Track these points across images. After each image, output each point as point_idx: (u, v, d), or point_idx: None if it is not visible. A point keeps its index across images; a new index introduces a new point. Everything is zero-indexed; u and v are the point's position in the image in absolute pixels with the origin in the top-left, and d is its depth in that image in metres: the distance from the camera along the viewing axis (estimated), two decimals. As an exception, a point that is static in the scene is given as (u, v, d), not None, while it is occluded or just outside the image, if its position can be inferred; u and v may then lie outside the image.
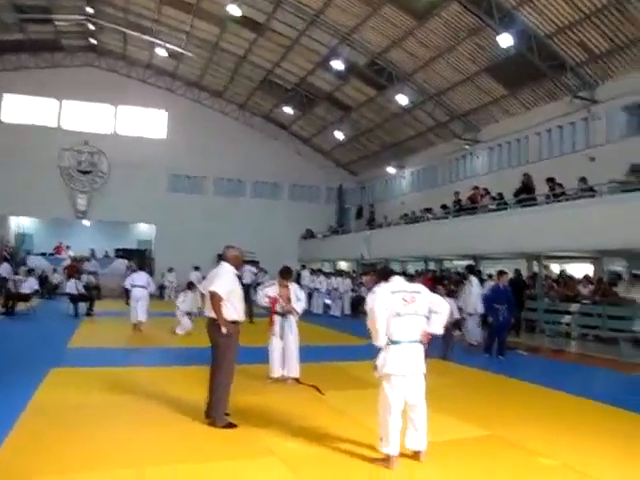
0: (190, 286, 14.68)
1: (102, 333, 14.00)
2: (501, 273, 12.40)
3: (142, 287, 14.63)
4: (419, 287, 5.35)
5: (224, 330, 5.95)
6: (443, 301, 5.38)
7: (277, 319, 8.39)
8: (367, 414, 5.57)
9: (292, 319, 8.46)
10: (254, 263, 19.11)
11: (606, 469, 4.98)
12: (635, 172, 14.67)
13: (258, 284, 17.90)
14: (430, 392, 5.26)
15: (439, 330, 5.30)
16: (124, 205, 28.77)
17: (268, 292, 8.49)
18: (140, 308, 14.32)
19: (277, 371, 8.30)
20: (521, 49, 17.25)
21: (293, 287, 8.57)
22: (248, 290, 17.66)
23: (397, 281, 5.29)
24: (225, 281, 6.08)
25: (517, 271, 16.78)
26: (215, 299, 5.94)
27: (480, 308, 12.95)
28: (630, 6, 14.55)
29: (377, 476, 4.73)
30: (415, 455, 5.07)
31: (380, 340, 5.04)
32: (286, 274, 8.58)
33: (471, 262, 18.41)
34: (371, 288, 5.40)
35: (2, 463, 4.64)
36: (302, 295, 8.74)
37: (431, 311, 5.22)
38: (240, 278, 16.48)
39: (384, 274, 5.49)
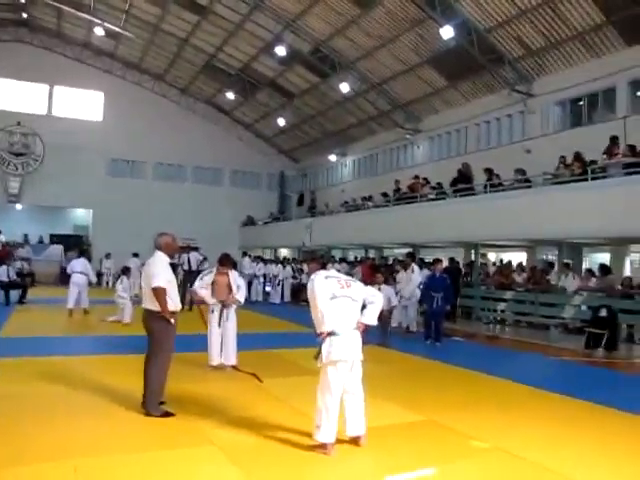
0: (125, 271, 14.29)
1: (36, 321, 13.54)
2: (436, 261, 12.69)
3: (81, 273, 14.70)
4: (351, 278, 5.52)
5: (172, 321, 5.93)
6: (377, 292, 5.48)
7: (215, 307, 8.33)
8: (306, 402, 5.61)
9: (231, 308, 8.42)
10: (194, 249, 18.82)
11: (535, 450, 5.18)
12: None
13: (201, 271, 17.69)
14: (367, 378, 5.34)
15: (373, 321, 5.36)
16: (60, 189, 27.81)
17: (205, 285, 8.37)
18: (81, 294, 14.69)
19: (216, 359, 8.26)
20: (462, 42, 17.60)
21: (233, 275, 8.51)
22: (194, 276, 17.41)
23: (332, 269, 5.41)
24: (164, 273, 6.00)
25: (452, 259, 17.23)
26: (161, 294, 5.85)
27: (418, 295, 13.28)
28: (562, 6, 15.14)
29: (317, 463, 4.78)
30: (354, 440, 5.14)
31: (325, 324, 5.04)
32: (225, 261, 8.49)
33: (410, 250, 18.77)
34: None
35: None
36: (242, 282, 8.70)
37: (366, 301, 5.30)
38: (184, 264, 16.45)
39: (324, 263, 5.59)
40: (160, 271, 5.95)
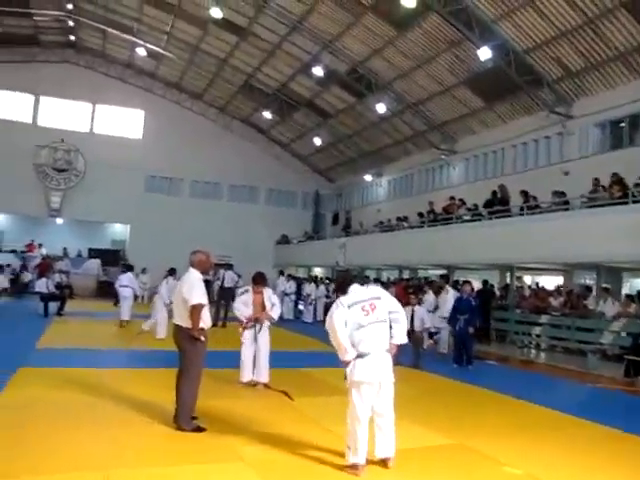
0: (171, 272, 14.55)
1: (72, 334, 13.76)
2: (465, 283, 12.54)
3: (127, 287, 15.86)
4: (378, 292, 5.36)
5: (202, 338, 6.00)
6: (400, 307, 5.36)
7: (249, 325, 8.37)
8: (336, 421, 5.59)
9: (265, 324, 8.45)
10: (229, 266, 19.05)
11: (568, 478, 5.06)
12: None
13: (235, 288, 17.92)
14: (399, 400, 5.30)
15: (403, 340, 5.31)
16: (99, 204, 28.45)
17: (244, 303, 8.42)
18: (123, 307, 15.71)
19: (247, 376, 8.28)
20: (499, 63, 17.52)
21: (267, 292, 8.56)
22: (230, 294, 17.61)
23: (355, 291, 5.27)
24: (202, 290, 6.09)
25: (485, 282, 17.03)
26: (198, 311, 5.93)
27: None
28: (603, 27, 14.94)
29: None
30: (383, 462, 5.10)
31: (347, 355, 5.05)
32: (260, 280, 8.53)
33: (445, 271, 18.60)
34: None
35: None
36: (276, 300, 8.72)
37: (391, 321, 5.23)
38: (220, 282, 16.72)
39: (341, 286, 5.46)
40: (197, 288, 6.04)
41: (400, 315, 5.30)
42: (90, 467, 4.67)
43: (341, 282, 5.60)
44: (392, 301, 5.34)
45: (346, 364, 5.07)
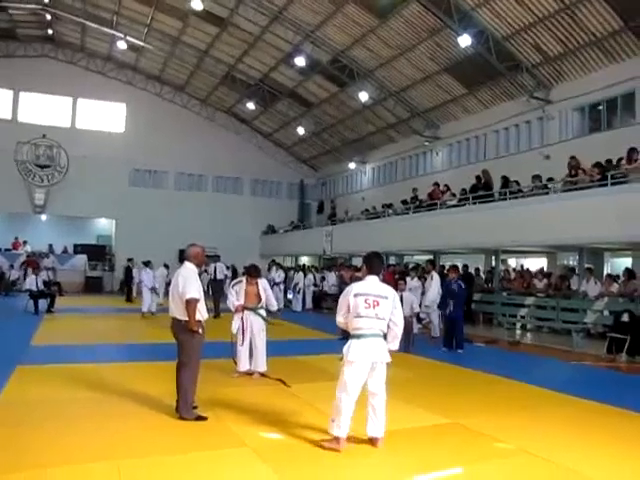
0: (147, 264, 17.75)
1: (65, 330, 13.82)
2: (451, 268, 12.78)
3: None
4: (388, 292, 5.50)
5: (200, 331, 6.15)
6: (401, 317, 5.56)
7: (245, 314, 8.52)
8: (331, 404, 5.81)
9: (260, 313, 8.62)
10: (216, 258, 19.21)
11: (559, 452, 5.31)
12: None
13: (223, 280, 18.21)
14: (392, 383, 5.55)
15: (396, 346, 5.55)
16: (83, 200, 28.35)
17: (236, 293, 8.58)
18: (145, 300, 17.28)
19: (244, 365, 8.45)
20: (479, 49, 17.75)
21: (262, 283, 8.73)
22: (221, 286, 17.82)
23: (369, 282, 5.50)
24: (197, 284, 6.23)
25: (465, 266, 17.35)
26: (193, 305, 6.06)
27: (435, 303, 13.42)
28: (579, 13, 15.21)
29: (346, 462, 4.97)
30: (372, 442, 5.35)
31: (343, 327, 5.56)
32: (254, 272, 8.70)
33: (431, 257, 18.88)
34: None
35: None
36: (270, 291, 8.91)
37: (389, 328, 5.46)
38: (211, 274, 17.16)
39: (369, 266, 5.66)
40: (193, 282, 6.17)
41: (399, 329, 5.51)
42: (99, 458, 4.83)
43: (370, 264, 5.67)
44: (398, 311, 5.51)
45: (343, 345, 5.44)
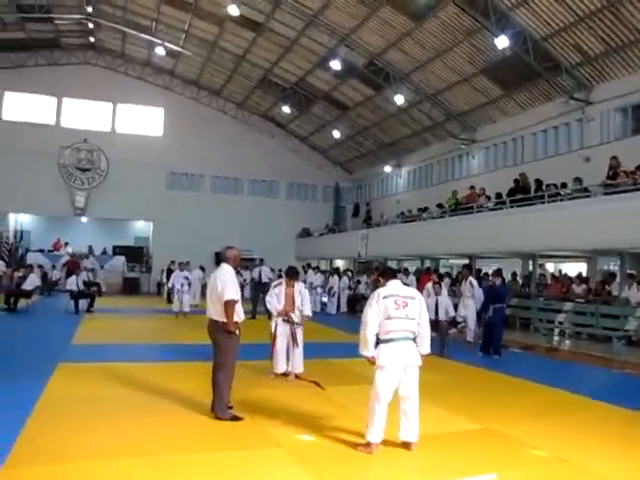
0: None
1: (104, 329, 14.14)
2: (496, 272, 12.62)
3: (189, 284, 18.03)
4: (414, 293, 5.60)
5: (237, 332, 6.24)
6: (427, 318, 5.60)
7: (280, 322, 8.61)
8: (366, 407, 5.79)
9: (297, 317, 8.68)
10: (260, 261, 19.53)
11: (595, 461, 5.21)
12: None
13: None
14: (425, 387, 5.53)
15: (427, 349, 5.55)
16: (122, 202, 28.94)
17: (276, 295, 8.66)
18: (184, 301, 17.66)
19: (281, 367, 8.53)
20: (517, 50, 17.49)
21: (298, 286, 8.83)
22: (262, 288, 17.96)
23: (393, 285, 5.56)
24: (235, 286, 6.31)
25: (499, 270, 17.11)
26: (231, 307, 6.15)
27: (474, 307, 13.26)
28: (624, 9, 14.78)
29: (380, 464, 4.99)
30: (406, 446, 5.34)
31: (364, 351, 5.39)
32: (292, 275, 8.83)
33: (466, 261, 18.69)
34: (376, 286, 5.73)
35: (20, 452, 4.86)
36: (306, 294, 8.98)
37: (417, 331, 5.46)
38: (255, 277, 17.51)
39: (384, 275, 5.76)
40: (231, 284, 6.25)
41: (426, 330, 5.53)
42: (137, 454, 4.95)
43: (383, 274, 5.82)
44: (424, 312, 5.56)
45: (367, 358, 5.41)
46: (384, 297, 5.38)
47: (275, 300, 8.65)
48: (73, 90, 29.10)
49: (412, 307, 5.41)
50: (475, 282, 13.84)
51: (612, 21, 15.37)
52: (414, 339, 5.41)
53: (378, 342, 5.43)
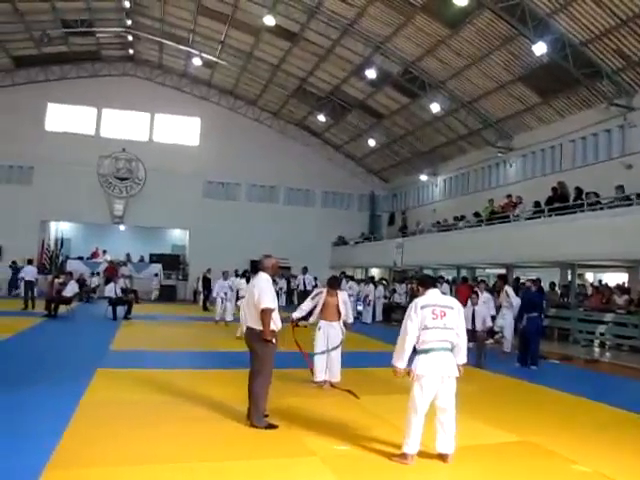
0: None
1: (141, 336, 14.35)
2: (533, 281, 12.40)
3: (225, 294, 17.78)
4: (452, 302, 5.53)
5: (274, 340, 6.25)
6: (464, 329, 5.53)
7: (323, 324, 8.67)
8: (401, 417, 5.74)
9: (337, 326, 8.71)
10: (286, 269, 19.62)
11: (638, 478, 5.06)
12: None
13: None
14: (462, 398, 5.45)
15: (464, 359, 5.49)
16: (159, 210, 29.41)
17: (312, 302, 8.79)
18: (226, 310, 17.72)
19: (320, 376, 8.54)
20: (555, 57, 17.22)
21: (342, 296, 8.89)
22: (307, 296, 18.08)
23: (431, 295, 5.51)
24: (272, 294, 6.34)
25: (536, 280, 16.80)
26: (268, 314, 6.17)
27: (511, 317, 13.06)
28: (668, 12, 14.45)
29: (415, 475, 4.95)
30: (442, 458, 5.27)
31: (399, 362, 5.36)
32: (334, 284, 8.93)
33: (503, 270, 18.43)
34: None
35: (61, 455, 4.95)
36: (349, 302, 9.11)
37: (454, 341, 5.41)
38: (300, 285, 17.68)
39: (423, 284, 5.71)
40: (268, 292, 6.28)
41: (462, 341, 5.47)
42: (173, 460, 5.01)
43: (423, 283, 5.77)
44: (461, 321, 5.49)
45: (397, 372, 5.40)
46: (422, 307, 5.33)
47: (306, 303, 8.83)
48: (112, 101, 29.75)
49: (450, 317, 5.35)
50: (511, 291, 13.62)
51: (656, 24, 15.02)
52: (451, 349, 5.36)
53: (415, 352, 5.38)
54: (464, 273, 22.34)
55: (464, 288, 17.37)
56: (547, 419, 7.20)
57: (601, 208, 15.58)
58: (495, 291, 14.88)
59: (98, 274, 27.00)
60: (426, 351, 5.26)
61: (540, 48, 16.58)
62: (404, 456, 5.16)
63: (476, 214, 21.65)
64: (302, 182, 32.79)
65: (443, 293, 5.93)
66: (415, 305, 5.37)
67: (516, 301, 13.03)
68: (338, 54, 23.27)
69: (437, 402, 5.26)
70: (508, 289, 13.68)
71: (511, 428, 6.52)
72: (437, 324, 5.27)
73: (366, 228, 33.59)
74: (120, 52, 29.08)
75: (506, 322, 13.37)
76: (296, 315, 8.83)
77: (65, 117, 29.87)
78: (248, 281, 15.36)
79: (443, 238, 22.50)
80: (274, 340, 6.27)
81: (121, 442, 5.43)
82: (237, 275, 21.84)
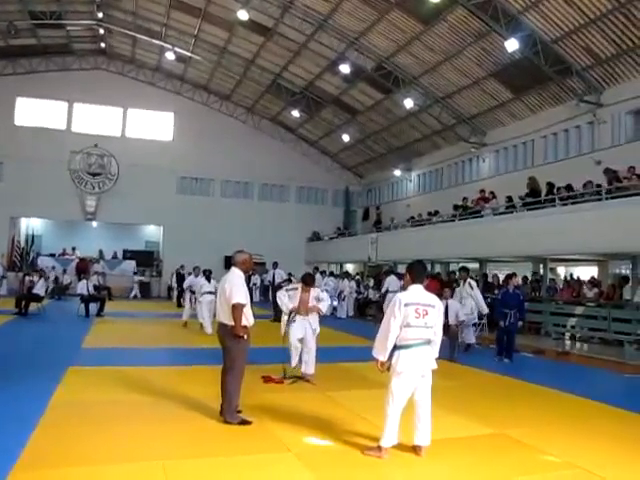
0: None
1: (114, 333, 14.18)
2: (509, 276, 12.49)
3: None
4: (434, 300, 5.50)
5: (245, 336, 6.21)
6: (441, 327, 5.56)
7: (298, 319, 8.69)
8: (375, 412, 5.77)
9: (313, 318, 8.75)
10: (261, 265, 19.57)
11: (606, 466, 5.16)
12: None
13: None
14: (437, 392, 5.48)
15: (436, 354, 5.51)
16: (132, 207, 29.02)
17: (290, 297, 8.77)
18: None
19: (295, 362, 8.71)
20: (527, 53, 17.43)
21: (314, 292, 8.90)
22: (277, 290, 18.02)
23: (415, 291, 5.48)
24: (244, 290, 6.30)
25: (485, 275, 17.08)
26: (239, 310, 6.14)
27: (475, 310, 13.18)
28: (635, 10, 14.67)
29: (390, 468, 4.99)
30: (416, 450, 5.31)
31: (380, 356, 5.34)
32: (309, 281, 8.93)
33: (477, 265, 18.60)
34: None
35: (30, 455, 4.86)
36: (324, 295, 9.13)
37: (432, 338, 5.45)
38: (270, 280, 17.33)
39: (412, 274, 5.63)
40: (239, 287, 6.25)
41: (439, 338, 5.51)
42: (145, 458, 4.96)
43: (411, 270, 5.65)
44: (440, 319, 5.52)
45: (378, 365, 5.38)
46: (405, 305, 5.29)
47: (287, 299, 8.77)
48: (84, 95, 29.22)
49: (431, 316, 5.35)
50: (474, 283, 13.79)
51: (623, 23, 15.26)
52: (429, 343, 5.40)
53: (394, 347, 5.40)
54: (438, 268, 22.51)
55: (433, 283, 17.48)
56: (520, 411, 7.30)
57: (572, 203, 15.80)
58: (457, 281, 14.80)
59: (65, 271, 26.52)
60: (406, 347, 5.28)
61: (512, 45, 16.78)
62: (378, 449, 5.19)
63: (456, 207, 21.64)
64: (277, 178, 32.70)
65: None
66: (399, 302, 5.31)
67: (477, 293, 13.20)
68: (312, 49, 23.22)
69: (415, 396, 5.30)
70: (471, 281, 13.81)
71: (485, 421, 6.58)
72: (419, 323, 5.28)
73: (341, 223, 33.64)
74: (92, 46, 28.55)
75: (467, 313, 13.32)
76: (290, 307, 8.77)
77: (35, 111, 29.23)
78: (208, 280, 15.12)
79: (417, 233, 22.63)
80: (246, 336, 6.24)
81: (92, 441, 5.35)
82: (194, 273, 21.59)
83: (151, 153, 29.80)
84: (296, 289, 8.90)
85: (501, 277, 16.53)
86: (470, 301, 13.36)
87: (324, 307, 8.94)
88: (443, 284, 14.32)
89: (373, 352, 5.41)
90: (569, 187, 16.37)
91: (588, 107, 17.98)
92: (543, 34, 16.86)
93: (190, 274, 18.31)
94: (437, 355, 5.52)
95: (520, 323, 11.96)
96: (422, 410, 5.31)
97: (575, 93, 18.20)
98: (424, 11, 18.07)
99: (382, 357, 5.33)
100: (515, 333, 11.87)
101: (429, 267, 22.62)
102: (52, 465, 4.71)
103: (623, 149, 16.91)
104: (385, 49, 21.15)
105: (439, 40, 19.29)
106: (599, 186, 15.40)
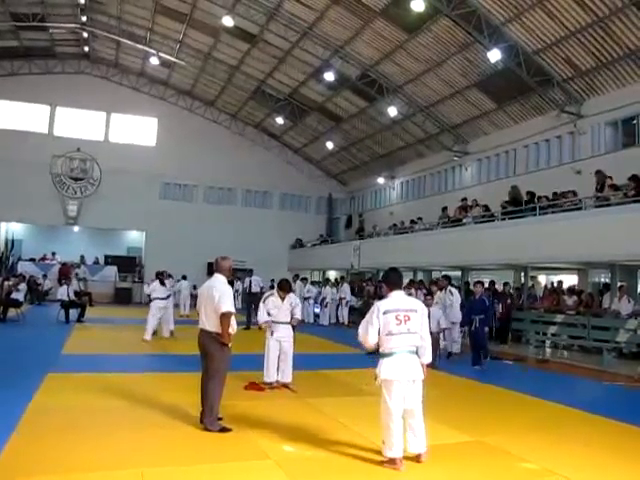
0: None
1: (95, 340, 14.05)
2: (476, 284, 12.63)
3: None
4: (416, 304, 5.48)
5: (230, 345, 6.21)
6: (428, 331, 5.52)
7: (274, 326, 8.61)
8: (355, 419, 5.79)
9: (288, 327, 8.70)
10: (250, 272, 19.45)
11: (584, 473, 5.20)
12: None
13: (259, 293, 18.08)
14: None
15: (429, 359, 5.49)
16: (115, 212, 28.79)
17: (275, 307, 8.66)
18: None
19: (272, 376, 8.51)
20: (509, 64, 17.64)
21: (290, 298, 8.84)
22: (257, 299, 17.87)
23: (396, 297, 5.44)
24: (231, 297, 6.28)
25: (491, 282, 17.18)
26: (229, 318, 6.11)
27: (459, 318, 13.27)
28: (613, 25, 14.97)
29: (371, 476, 4.97)
30: (416, 457, 5.31)
31: (367, 345, 5.41)
32: (285, 286, 8.86)
33: (459, 273, 18.69)
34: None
35: (5, 463, 4.80)
36: (298, 301, 9.07)
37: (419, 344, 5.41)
38: (247, 287, 17.05)
39: (388, 284, 5.63)
40: (228, 295, 6.23)
41: (427, 343, 5.46)
42: (124, 466, 4.90)
43: (387, 280, 5.68)
44: (425, 323, 5.46)
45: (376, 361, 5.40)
46: (384, 312, 5.26)
47: (263, 312, 8.66)
48: (67, 99, 29.01)
49: (414, 321, 5.30)
50: (455, 290, 13.91)
51: (602, 36, 15.54)
52: (416, 352, 5.36)
53: (376, 352, 5.40)
54: (420, 276, 22.59)
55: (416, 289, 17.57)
56: (500, 418, 7.34)
57: (553, 212, 15.96)
58: (438, 289, 14.87)
59: (45, 276, 26.20)
60: (389, 354, 5.25)
61: (495, 55, 16.99)
62: (393, 461, 5.12)
63: (443, 209, 21.77)
64: (260, 184, 32.69)
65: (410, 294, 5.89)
66: (377, 310, 5.29)
67: (456, 299, 13.31)
68: (297, 57, 23.30)
69: (405, 405, 5.25)
70: (451, 289, 13.91)
71: (464, 428, 6.61)
72: (401, 329, 5.23)
73: (324, 231, 33.68)
74: (75, 49, 28.35)
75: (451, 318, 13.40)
76: (264, 319, 8.69)
77: (16, 114, 28.97)
78: (162, 283, 14.44)
79: (400, 241, 22.71)
80: (229, 344, 6.23)
81: (69, 449, 5.29)
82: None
83: (134, 158, 29.60)
84: (272, 295, 8.83)
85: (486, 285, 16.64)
86: (450, 309, 13.45)
87: (298, 312, 8.90)
88: (426, 291, 14.37)
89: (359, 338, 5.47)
90: (554, 196, 16.52)
91: (569, 118, 18.23)
92: (525, 45, 17.08)
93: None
94: (430, 360, 5.50)
95: (487, 329, 12.04)
96: (414, 418, 5.28)
97: (556, 104, 18.44)
98: (408, 20, 18.22)
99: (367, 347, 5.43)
100: (483, 339, 11.91)
101: (412, 274, 22.73)
102: (27, 473, 4.64)
103: (603, 159, 17.12)
104: (369, 57, 21.28)
105: (423, 49, 19.45)
106: (575, 194, 15.62)
